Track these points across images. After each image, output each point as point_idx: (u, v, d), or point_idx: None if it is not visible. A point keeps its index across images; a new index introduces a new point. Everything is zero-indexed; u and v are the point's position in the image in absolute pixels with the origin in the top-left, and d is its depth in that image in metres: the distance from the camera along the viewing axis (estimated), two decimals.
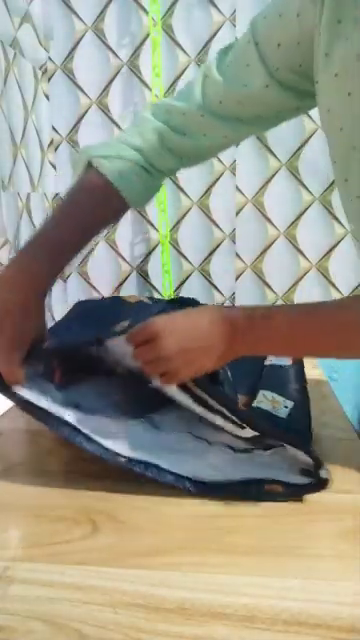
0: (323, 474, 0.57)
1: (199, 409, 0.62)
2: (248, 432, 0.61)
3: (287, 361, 0.84)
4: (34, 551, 0.51)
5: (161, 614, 0.43)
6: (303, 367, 0.85)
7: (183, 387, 0.61)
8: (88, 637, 0.40)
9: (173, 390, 0.62)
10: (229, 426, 0.62)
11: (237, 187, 1.19)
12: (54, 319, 1.18)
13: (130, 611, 0.43)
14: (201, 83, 0.67)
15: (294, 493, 0.58)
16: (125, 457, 0.60)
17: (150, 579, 0.46)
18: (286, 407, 0.71)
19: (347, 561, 0.49)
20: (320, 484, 0.57)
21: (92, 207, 0.68)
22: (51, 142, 1.18)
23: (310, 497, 0.58)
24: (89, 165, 0.69)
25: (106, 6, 1.12)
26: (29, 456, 0.72)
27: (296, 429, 0.67)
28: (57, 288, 1.20)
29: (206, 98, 0.67)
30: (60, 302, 1.22)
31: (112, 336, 0.62)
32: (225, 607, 0.43)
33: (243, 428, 0.61)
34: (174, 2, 1.12)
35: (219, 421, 0.62)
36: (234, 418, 0.60)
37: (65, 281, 1.25)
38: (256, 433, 0.61)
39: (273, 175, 1.17)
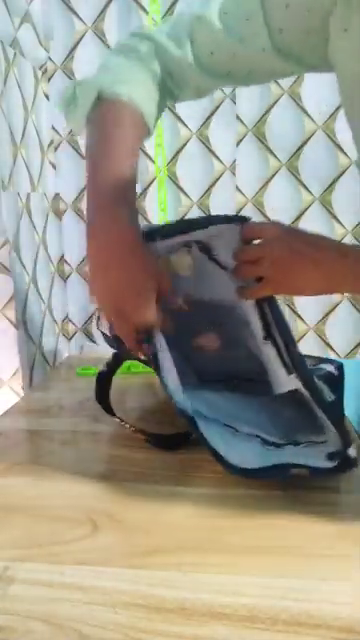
0: (351, 453, 0.56)
1: (261, 333, 0.59)
2: (292, 381, 0.58)
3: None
4: (34, 551, 0.51)
5: (161, 614, 0.43)
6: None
7: (259, 304, 0.58)
8: (88, 637, 0.40)
9: (248, 304, 0.59)
10: (277, 365, 0.59)
11: (237, 187, 1.19)
12: (55, 322, 1.18)
13: (130, 611, 0.43)
14: (191, 28, 0.60)
15: (321, 476, 0.57)
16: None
17: (150, 579, 0.46)
18: (329, 398, 0.71)
19: (347, 561, 0.49)
20: (347, 464, 0.56)
21: (132, 143, 0.60)
22: (51, 142, 1.18)
23: (310, 497, 0.59)
24: (99, 96, 0.60)
25: (106, 6, 1.13)
26: (29, 456, 0.72)
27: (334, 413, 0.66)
28: (56, 287, 1.21)
29: (196, 47, 0.60)
30: (60, 302, 1.23)
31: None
32: (225, 607, 0.43)
33: (290, 373, 0.58)
34: (174, 2, 1.12)
35: (272, 354, 0.59)
36: (287, 359, 0.58)
37: (65, 281, 1.25)
38: (298, 385, 0.58)
39: (273, 175, 1.17)
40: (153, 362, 0.60)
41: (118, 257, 0.54)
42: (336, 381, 0.74)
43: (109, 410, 0.76)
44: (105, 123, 0.59)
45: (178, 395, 0.59)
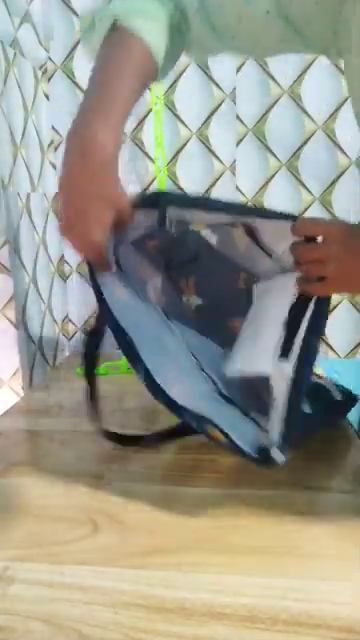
0: (274, 454, 0.53)
1: (284, 317, 0.58)
2: (288, 367, 0.56)
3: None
4: (34, 551, 0.51)
5: (161, 614, 0.43)
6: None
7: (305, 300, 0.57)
8: (88, 637, 0.40)
9: (290, 291, 0.58)
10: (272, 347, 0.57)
11: (237, 187, 1.19)
12: (55, 321, 1.18)
13: (130, 611, 0.43)
14: None
15: (235, 453, 0.55)
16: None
17: (150, 579, 0.47)
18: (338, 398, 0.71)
19: (347, 561, 0.49)
20: (265, 460, 0.53)
21: (136, 76, 0.59)
22: (51, 142, 1.18)
23: (310, 497, 0.59)
24: (113, 26, 0.59)
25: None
26: (29, 456, 0.72)
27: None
28: (56, 287, 1.21)
29: (207, 3, 0.60)
30: (60, 302, 1.23)
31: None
32: (225, 607, 0.43)
33: (286, 358, 0.56)
34: None
35: (280, 335, 0.57)
36: (296, 344, 0.57)
37: (65, 281, 1.25)
38: (290, 374, 0.55)
39: (273, 175, 1.17)
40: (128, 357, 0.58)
41: (85, 166, 0.54)
42: (337, 406, 0.74)
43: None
44: (113, 52, 0.58)
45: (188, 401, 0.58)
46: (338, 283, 0.56)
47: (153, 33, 0.59)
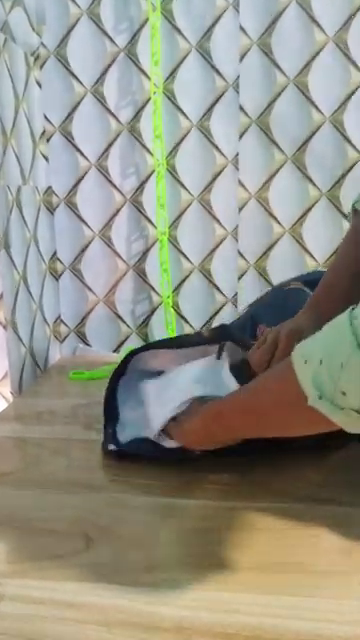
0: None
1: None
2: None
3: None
4: (24, 566, 0.51)
5: (159, 634, 0.43)
6: None
7: None
8: None
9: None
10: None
11: (240, 182, 1.19)
12: (47, 322, 1.18)
13: (126, 630, 0.43)
14: None
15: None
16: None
17: (147, 596, 0.47)
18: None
19: (354, 578, 0.49)
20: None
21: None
22: (43, 132, 1.18)
23: (318, 511, 0.59)
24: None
25: None
26: (18, 465, 0.72)
27: None
28: (48, 286, 1.21)
29: None
30: (52, 303, 1.23)
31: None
32: (227, 627, 0.43)
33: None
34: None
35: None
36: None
37: (57, 279, 1.25)
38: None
39: (278, 169, 1.17)
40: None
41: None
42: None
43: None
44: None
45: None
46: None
47: None
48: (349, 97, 1.12)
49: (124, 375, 0.82)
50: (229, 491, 0.63)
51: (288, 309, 0.78)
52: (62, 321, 1.28)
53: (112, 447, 0.71)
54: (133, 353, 0.82)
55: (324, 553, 0.52)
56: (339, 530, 0.55)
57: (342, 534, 0.55)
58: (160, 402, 0.73)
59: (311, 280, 0.86)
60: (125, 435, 0.73)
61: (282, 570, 0.50)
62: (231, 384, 0.69)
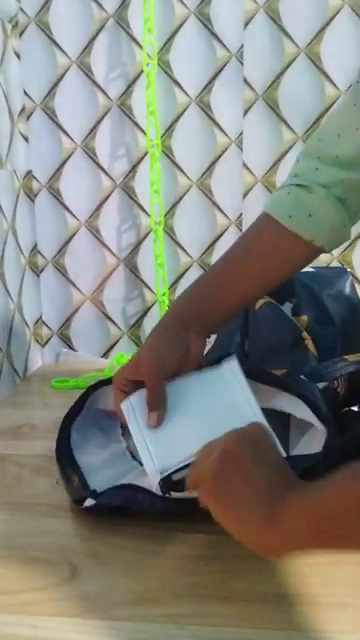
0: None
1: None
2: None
3: None
4: (2, 600, 0.51)
5: None
6: None
7: None
8: None
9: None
10: None
11: (244, 164, 1.20)
12: (26, 324, 1.19)
13: None
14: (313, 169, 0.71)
15: None
16: None
17: (140, 633, 0.47)
18: None
19: None
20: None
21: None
22: (22, 109, 1.18)
23: None
24: None
25: None
26: None
27: None
28: (28, 283, 1.21)
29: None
30: (33, 302, 1.23)
31: None
32: None
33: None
34: None
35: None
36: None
37: (38, 275, 1.26)
38: None
39: (287, 150, 1.18)
40: None
41: None
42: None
43: None
44: None
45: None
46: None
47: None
48: None
49: (80, 414, 0.76)
50: None
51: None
52: (44, 322, 1.29)
53: (90, 502, 0.62)
54: (95, 387, 0.76)
55: (335, 584, 0.52)
56: (354, 559, 0.55)
57: (354, 562, 0.55)
58: (162, 443, 0.66)
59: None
60: (98, 481, 0.66)
61: (291, 602, 0.50)
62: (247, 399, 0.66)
